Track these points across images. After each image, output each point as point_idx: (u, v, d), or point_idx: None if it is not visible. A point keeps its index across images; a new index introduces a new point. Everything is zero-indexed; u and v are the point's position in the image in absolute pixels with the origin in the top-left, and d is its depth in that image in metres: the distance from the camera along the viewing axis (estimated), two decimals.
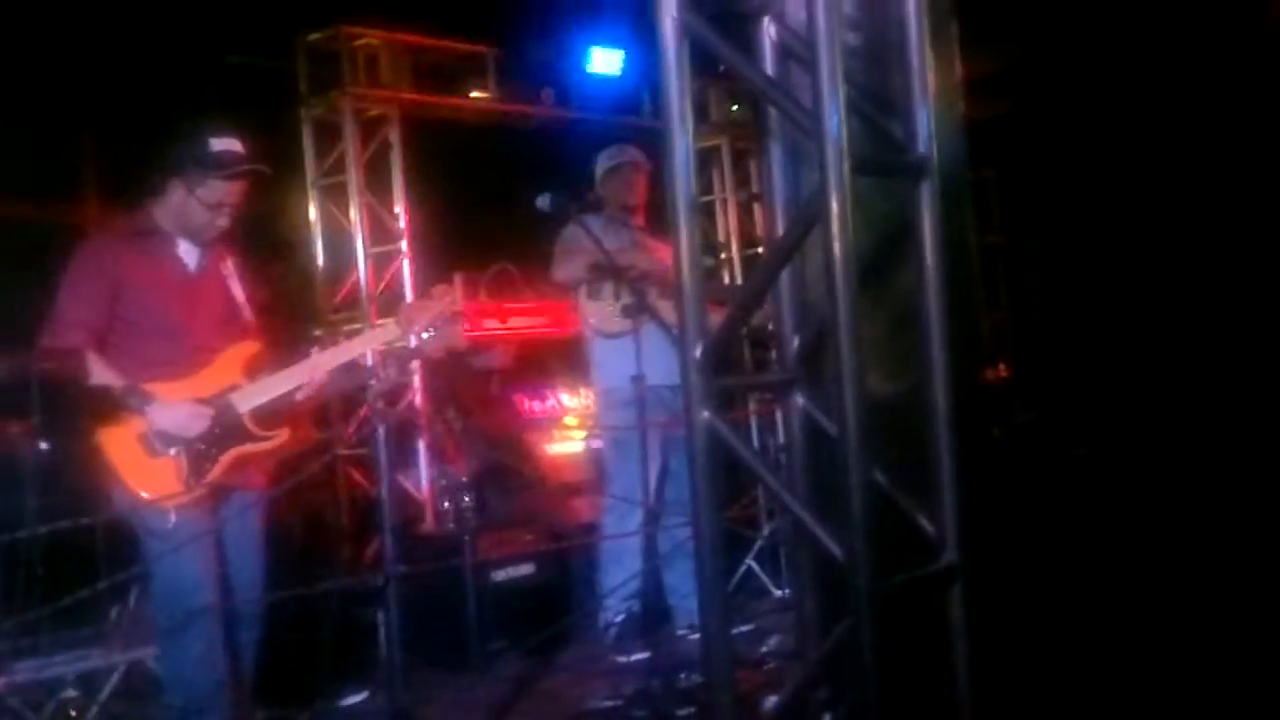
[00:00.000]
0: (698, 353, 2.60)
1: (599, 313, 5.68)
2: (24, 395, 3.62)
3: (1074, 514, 6.20)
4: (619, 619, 5.50)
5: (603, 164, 5.87)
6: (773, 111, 2.82)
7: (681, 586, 5.48)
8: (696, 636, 5.12)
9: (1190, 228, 9.04)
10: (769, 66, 2.82)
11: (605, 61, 7.15)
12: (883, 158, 2.70)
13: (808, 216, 2.47)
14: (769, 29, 2.82)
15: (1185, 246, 9.07)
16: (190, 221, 4.06)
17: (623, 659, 5.26)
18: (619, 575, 5.49)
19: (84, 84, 6.04)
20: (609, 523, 5.63)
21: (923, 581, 2.60)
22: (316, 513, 5.32)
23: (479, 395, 6.62)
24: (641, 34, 5.92)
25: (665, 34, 2.62)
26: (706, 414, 2.57)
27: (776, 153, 2.85)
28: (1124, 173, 9.25)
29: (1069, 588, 4.43)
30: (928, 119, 2.65)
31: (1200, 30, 8.16)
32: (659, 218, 5.75)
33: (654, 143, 3.76)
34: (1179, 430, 7.91)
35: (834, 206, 2.36)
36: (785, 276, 2.82)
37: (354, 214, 6.42)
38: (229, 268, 4.20)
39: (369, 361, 4.55)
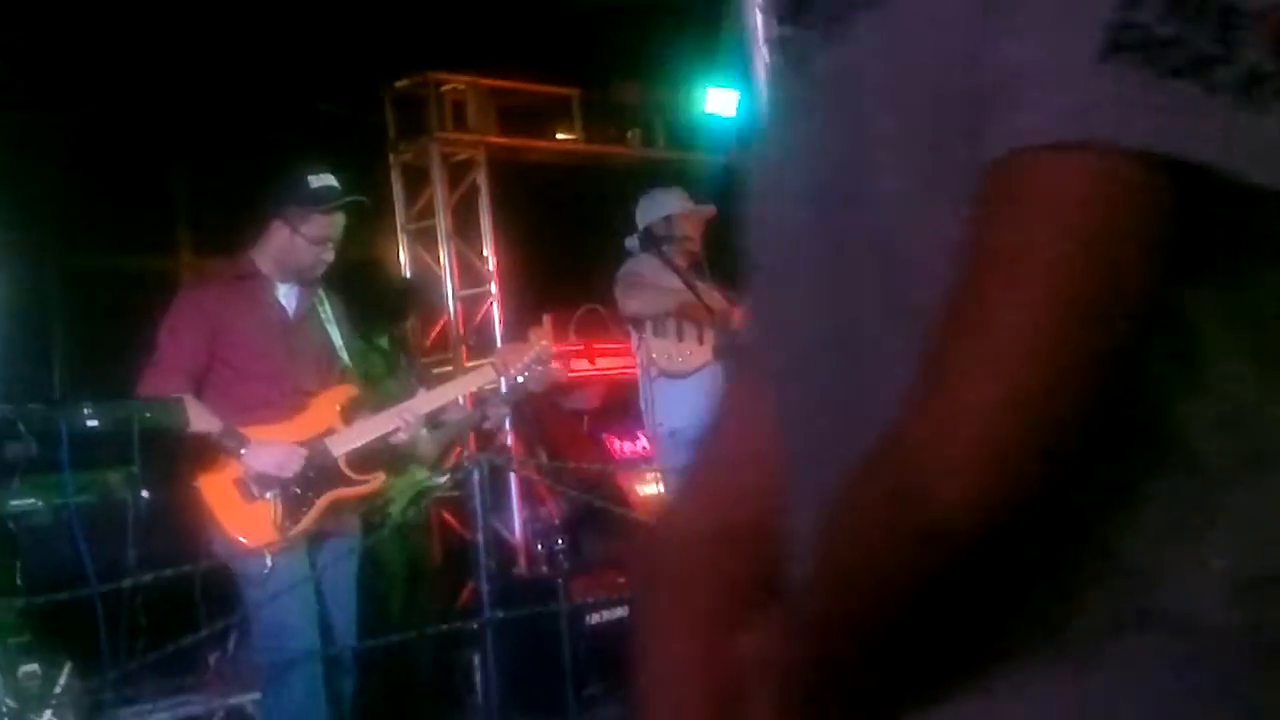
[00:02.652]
0: None
1: (665, 351, 5.45)
2: (125, 444, 3.65)
3: None
4: None
5: (674, 207, 5.54)
6: None
7: None
8: None
9: None
10: None
11: (720, 102, 7.02)
12: None
13: None
14: None
15: None
16: (296, 260, 4.08)
17: None
18: None
19: (177, 134, 6.13)
20: None
21: None
22: (411, 557, 5.30)
23: (570, 436, 6.60)
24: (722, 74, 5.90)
25: (762, 76, 2.60)
26: None
27: None
28: None
29: None
30: None
31: None
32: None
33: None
34: None
35: None
36: None
37: (443, 257, 6.45)
38: (328, 311, 4.22)
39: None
